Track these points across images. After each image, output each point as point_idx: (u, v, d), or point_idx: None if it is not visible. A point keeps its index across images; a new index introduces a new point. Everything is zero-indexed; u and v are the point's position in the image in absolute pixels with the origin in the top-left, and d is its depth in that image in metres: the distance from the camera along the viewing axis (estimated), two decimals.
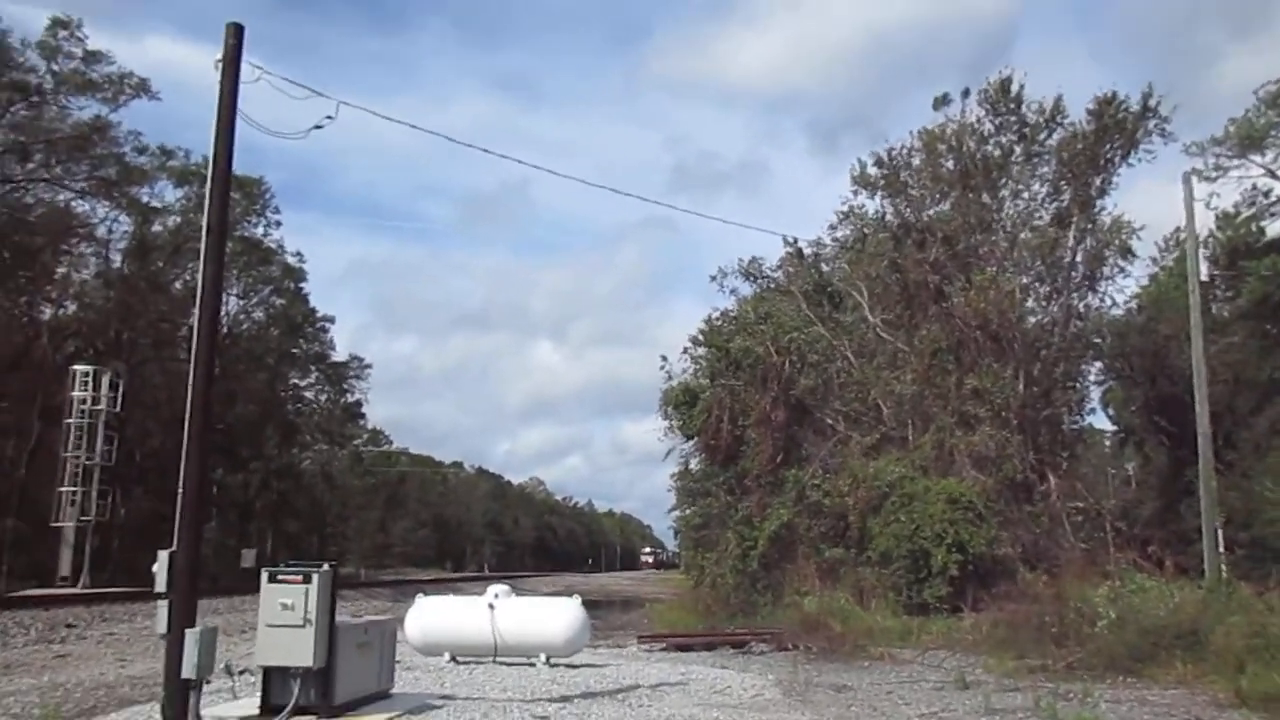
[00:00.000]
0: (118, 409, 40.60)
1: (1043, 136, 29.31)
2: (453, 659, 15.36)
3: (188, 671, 8.96)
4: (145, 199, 48.06)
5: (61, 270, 47.49)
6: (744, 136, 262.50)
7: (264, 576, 9.94)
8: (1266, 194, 35.53)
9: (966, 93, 30.01)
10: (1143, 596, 17.51)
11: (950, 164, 30.72)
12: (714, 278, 37.46)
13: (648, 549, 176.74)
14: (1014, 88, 29.26)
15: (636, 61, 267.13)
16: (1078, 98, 32.62)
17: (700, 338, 34.19)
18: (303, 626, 9.61)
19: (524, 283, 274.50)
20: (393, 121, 38.22)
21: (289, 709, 9.44)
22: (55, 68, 40.77)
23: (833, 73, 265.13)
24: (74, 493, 38.39)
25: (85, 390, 39.25)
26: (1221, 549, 21.29)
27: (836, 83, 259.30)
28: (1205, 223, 32.47)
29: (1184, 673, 14.21)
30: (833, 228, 34.75)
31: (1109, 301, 31.18)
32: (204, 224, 10.41)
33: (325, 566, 10.03)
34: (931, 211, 31.22)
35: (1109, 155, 28.36)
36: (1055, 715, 10.76)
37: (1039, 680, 14.23)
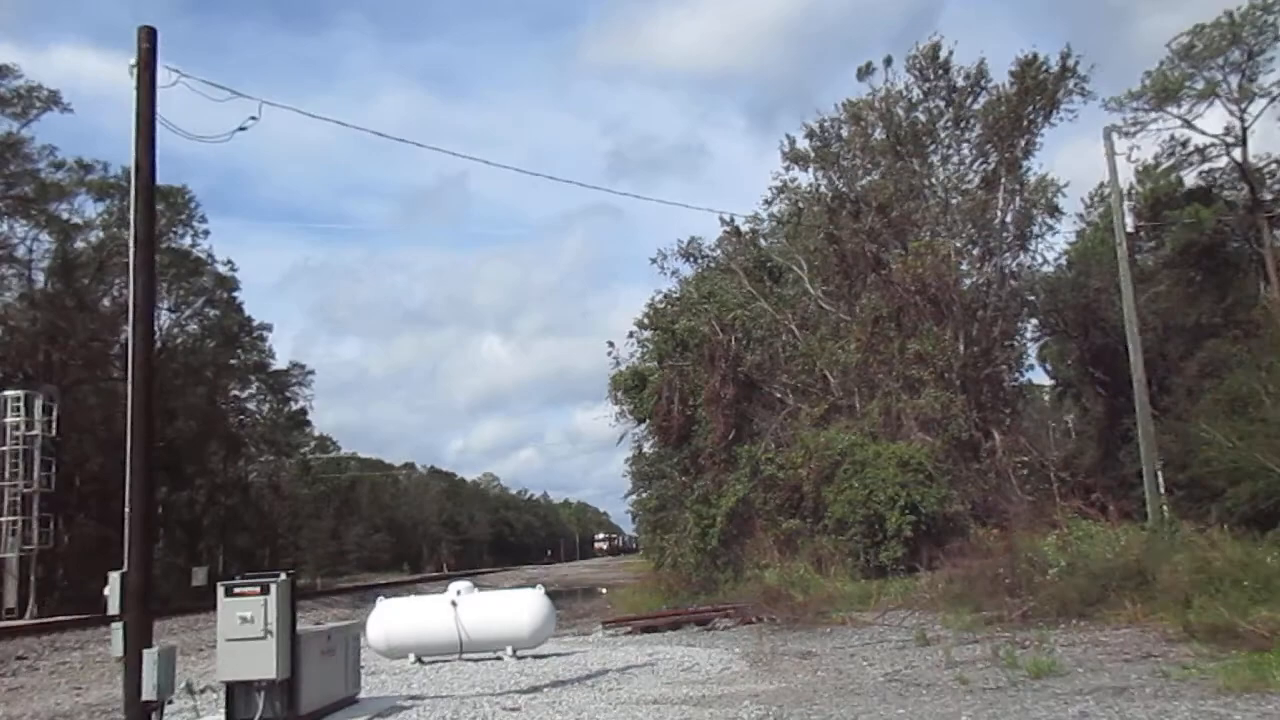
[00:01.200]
0: (53, 433, 39.49)
1: (969, 101, 29.74)
2: (418, 660, 15.27)
3: (148, 693, 8.80)
4: (65, 215, 46.75)
5: None
6: (681, 119, 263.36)
7: (220, 590, 9.78)
8: (1184, 144, 36.52)
9: (889, 61, 30.41)
10: (1090, 542, 17.95)
11: (879, 133, 31.08)
12: (654, 260, 37.58)
13: (601, 535, 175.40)
14: (942, 54, 29.62)
15: (566, 47, 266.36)
16: (1002, 61, 32.93)
17: (645, 321, 34.24)
18: (263, 638, 9.48)
19: (466, 277, 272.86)
20: (318, 119, 37.65)
21: None
22: None
23: (766, 50, 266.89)
24: (14, 522, 37.29)
25: (18, 415, 38.10)
26: (1162, 491, 21.94)
27: (770, 60, 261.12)
28: (1127, 176, 33.32)
29: (1134, 612, 14.64)
30: (768, 203, 35.08)
31: (1040, 259, 31.95)
32: (131, 235, 10.14)
33: (282, 576, 9.89)
34: (864, 181, 31.57)
35: (1031, 116, 28.89)
36: (1014, 662, 11.03)
37: (996, 631, 14.55)
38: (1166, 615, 13.78)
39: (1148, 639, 12.84)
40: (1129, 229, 26.10)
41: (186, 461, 53.60)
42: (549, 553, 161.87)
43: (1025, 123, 28.79)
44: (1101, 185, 41.93)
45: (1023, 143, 28.97)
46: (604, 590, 46.86)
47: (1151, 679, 9.88)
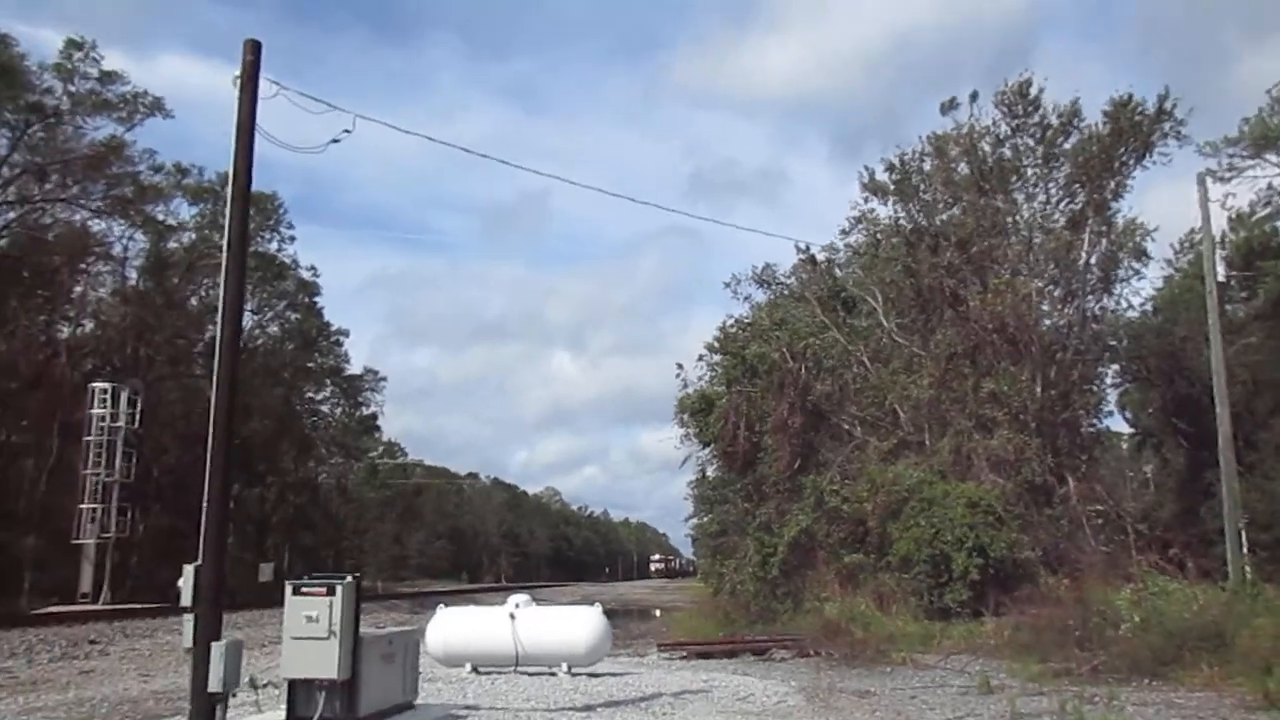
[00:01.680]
0: (136, 425, 40.88)
1: (1059, 140, 29.20)
2: (474, 669, 15.37)
3: (214, 685, 8.99)
4: (161, 216, 48.55)
5: (78, 289, 47.92)
6: (764, 145, 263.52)
7: (288, 589, 9.97)
8: None
9: (975, 96, 30.00)
10: (1166, 599, 17.34)
11: (963, 168, 30.68)
12: (728, 285, 37.61)
13: (656, 556, 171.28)
14: (1033, 91, 29.17)
15: (654, 70, 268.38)
16: (1095, 100, 32.33)
17: (715, 345, 34.19)
18: (327, 638, 9.64)
19: (542, 293, 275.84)
20: (408, 134, 38.42)
21: None
22: (71, 89, 41.26)
23: (855, 79, 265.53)
24: (94, 510, 38.65)
25: (104, 407, 39.57)
26: (1245, 550, 21.14)
27: (857, 89, 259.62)
28: (1220, 223, 32.40)
29: (1210, 675, 14.07)
30: (844, 233, 34.78)
31: (1124, 304, 31.10)
32: (225, 240, 10.49)
33: (349, 578, 10.05)
34: (944, 216, 31.17)
35: (1123, 158, 28.23)
36: (1082, 718, 10.69)
37: (1063, 684, 14.12)
38: (1245, 681, 13.22)
39: (1224, 705, 12.33)
40: (1220, 278, 25.33)
41: (259, 460, 54.96)
42: (606, 570, 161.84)
43: (1117, 164, 28.13)
44: (1192, 231, 40.74)
45: (1113, 184, 28.31)
46: (658, 612, 46.65)
47: None
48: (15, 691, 14.58)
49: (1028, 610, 18.47)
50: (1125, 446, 46.94)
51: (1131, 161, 28.29)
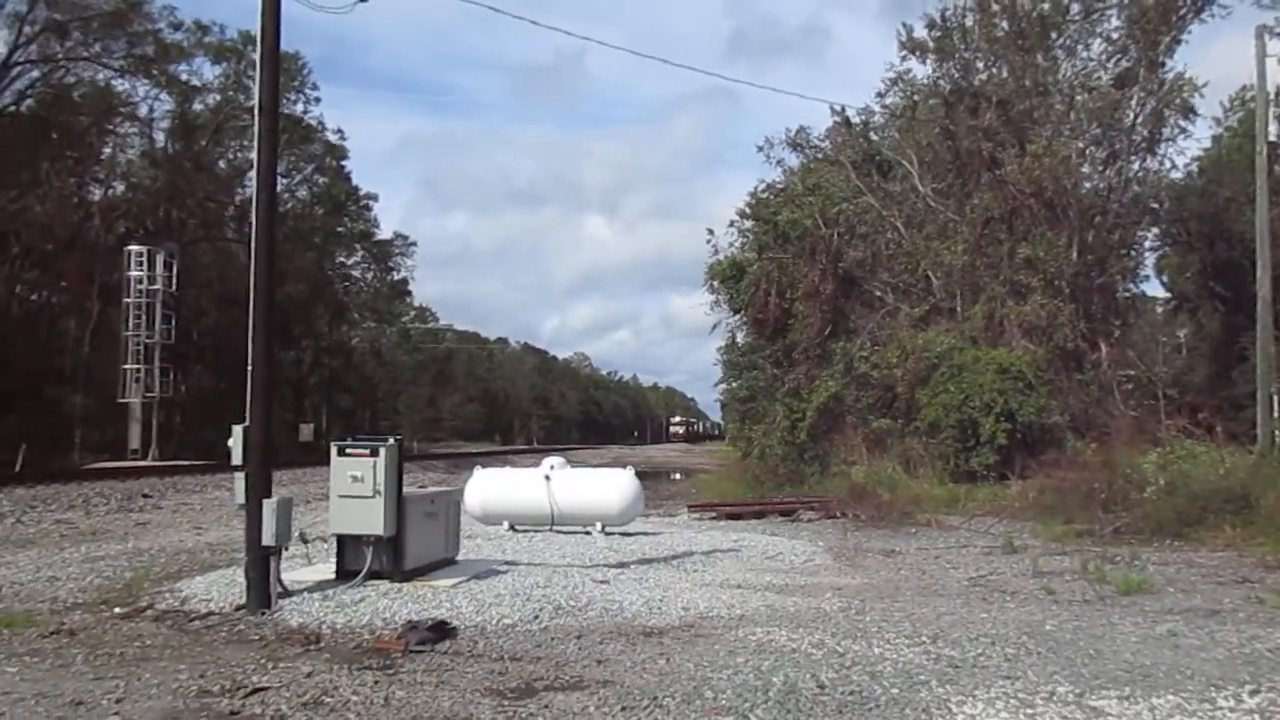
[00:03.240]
0: (173, 288, 41.47)
1: None
2: (511, 528, 15.91)
3: (267, 539, 9.38)
4: (184, 77, 47.93)
5: (107, 150, 47.85)
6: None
7: (333, 450, 10.29)
8: None
9: None
10: (1193, 462, 17.50)
11: (1005, 24, 29.44)
12: (760, 149, 36.85)
13: (676, 418, 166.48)
14: None
15: None
16: None
17: (747, 211, 33.78)
18: (373, 497, 9.98)
19: (575, 156, 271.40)
20: None
21: (364, 573, 9.91)
22: None
23: None
24: (137, 370, 39.65)
25: (140, 270, 40.07)
26: (1276, 414, 21.16)
27: None
28: (1275, 80, 31.05)
29: (1232, 536, 14.35)
30: (880, 95, 33.70)
31: (1168, 165, 30.21)
32: (255, 103, 10.37)
33: (391, 440, 10.35)
34: (984, 76, 30.12)
35: (1181, 11, 26.93)
36: (1103, 577, 10.98)
37: (1086, 545, 14.44)
38: (1267, 542, 13.48)
39: (1245, 564, 12.60)
40: (1272, 137, 24.49)
41: (294, 323, 55.81)
42: (634, 434, 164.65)
43: (1174, 18, 26.86)
44: (1244, 89, 39.19)
45: (1167, 39, 27.11)
46: (677, 475, 47.61)
47: (1245, 604, 9.75)
48: (78, 541, 15.33)
49: (1053, 474, 18.71)
50: (1160, 311, 46.46)
51: (1189, 15, 27.01)
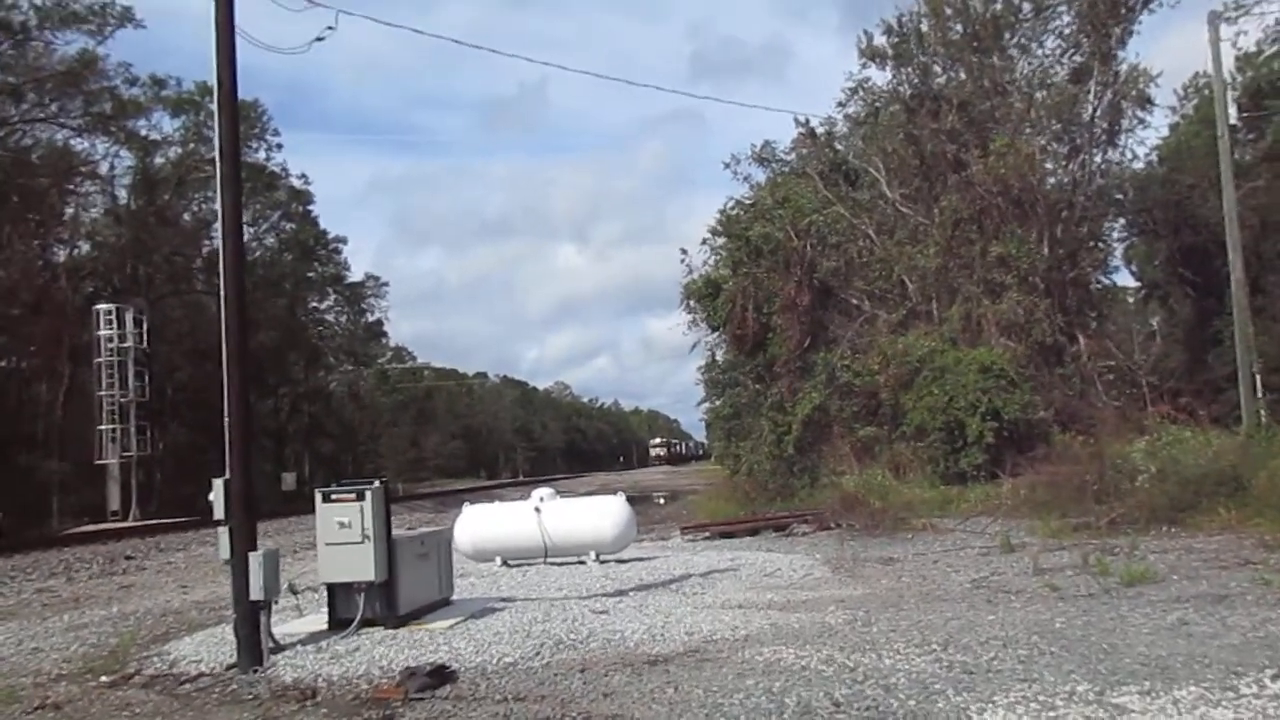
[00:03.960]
0: (144, 345, 40.98)
1: None
2: (504, 563, 15.66)
3: (255, 594, 9.12)
4: (144, 132, 47.59)
5: (70, 210, 47.34)
6: (768, 18, 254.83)
7: (318, 497, 10.06)
8: None
9: None
10: (1181, 448, 17.53)
11: (959, 27, 29.74)
12: (728, 165, 36.94)
13: (656, 440, 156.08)
14: None
15: None
16: None
17: (719, 228, 33.80)
18: (362, 542, 9.76)
19: (543, 185, 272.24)
20: (392, 27, 37.21)
21: (357, 621, 9.67)
22: (36, 2, 39.84)
23: None
24: (113, 430, 39.06)
25: (111, 328, 39.58)
26: (1257, 394, 21.27)
27: None
28: (1226, 65, 31.49)
29: (1228, 518, 14.33)
30: (841, 105, 33.91)
31: (1129, 155, 30.56)
32: (216, 149, 10.20)
33: (376, 483, 10.14)
34: (943, 79, 30.37)
35: (1130, 2, 27.27)
36: (1106, 569, 10.89)
37: (1083, 538, 14.36)
38: (1264, 522, 13.47)
39: (1244, 546, 12.56)
40: (1230, 120, 24.74)
41: (270, 372, 55.27)
42: (620, 459, 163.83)
43: (1122, 10, 27.20)
44: (1197, 76, 39.78)
45: (1118, 31, 27.44)
46: (662, 500, 47.21)
47: (1252, 586, 9.67)
48: (60, 609, 14.92)
49: (1044, 469, 18.70)
50: (1131, 301, 46.87)
51: (1138, 5, 27.35)
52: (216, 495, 9.38)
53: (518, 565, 15.48)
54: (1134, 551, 12.49)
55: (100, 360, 39.53)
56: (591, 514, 15.87)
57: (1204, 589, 9.76)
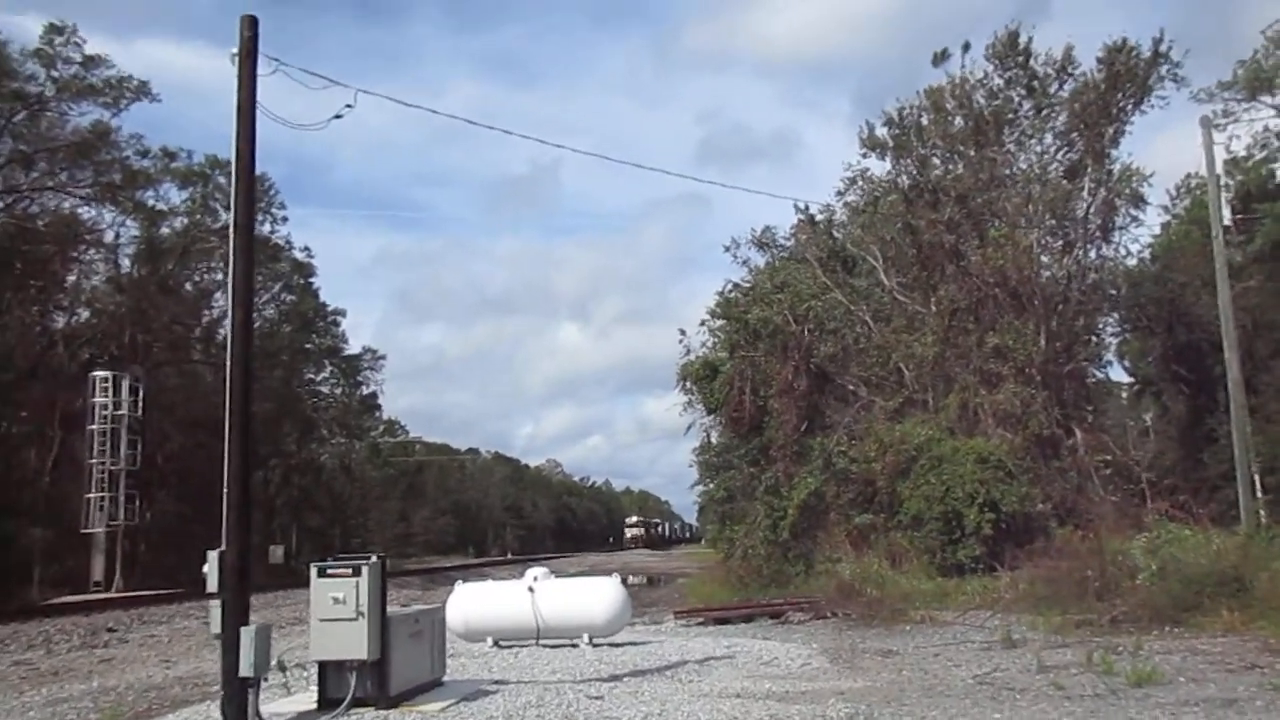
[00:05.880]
0: (138, 413, 40.78)
1: (1054, 88, 28.97)
2: (495, 643, 15.39)
3: (245, 670, 8.95)
4: (151, 202, 48.08)
5: (72, 277, 47.58)
6: (779, 107, 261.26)
7: (313, 572, 9.92)
8: (1278, 136, 35.25)
9: (967, 47, 29.68)
10: (1180, 546, 17.36)
11: (959, 121, 30.43)
12: (728, 248, 37.40)
13: (632, 519, 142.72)
14: (1021, 40, 28.91)
15: (662, 35, 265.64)
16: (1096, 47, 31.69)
17: (717, 310, 34.02)
18: (355, 619, 9.59)
19: (547, 265, 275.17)
20: (409, 107, 38.04)
21: (348, 701, 9.44)
22: (55, 74, 40.62)
23: (875, 37, 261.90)
24: (101, 498, 38.62)
25: (105, 396, 39.44)
26: (1256, 494, 21.20)
27: (877, 49, 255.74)
28: (1217, 168, 32.21)
29: (1231, 620, 14.12)
30: (840, 194, 34.50)
31: (1123, 252, 30.96)
32: (231, 221, 10.33)
33: (374, 559, 10.01)
34: (942, 170, 30.96)
35: (1121, 104, 27.98)
36: (1111, 669, 10.71)
37: (1085, 635, 14.16)
38: (1268, 625, 13.27)
39: (1248, 649, 12.37)
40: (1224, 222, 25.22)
41: (262, 443, 54.75)
42: (609, 539, 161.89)
43: (1114, 110, 27.89)
44: (1189, 176, 40.71)
45: (1110, 131, 28.08)
46: (644, 580, 46.55)
47: (1260, 691, 9.51)
48: (38, 683, 14.58)
49: (1043, 563, 18.49)
50: (1125, 396, 47.07)
51: (1129, 107, 28.06)
52: (211, 567, 9.26)
53: (509, 646, 15.20)
54: (1139, 651, 12.30)
55: (93, 427, 39.30)
56: (586, 595, 15.67)
57: (1212, 692, 9.59)
